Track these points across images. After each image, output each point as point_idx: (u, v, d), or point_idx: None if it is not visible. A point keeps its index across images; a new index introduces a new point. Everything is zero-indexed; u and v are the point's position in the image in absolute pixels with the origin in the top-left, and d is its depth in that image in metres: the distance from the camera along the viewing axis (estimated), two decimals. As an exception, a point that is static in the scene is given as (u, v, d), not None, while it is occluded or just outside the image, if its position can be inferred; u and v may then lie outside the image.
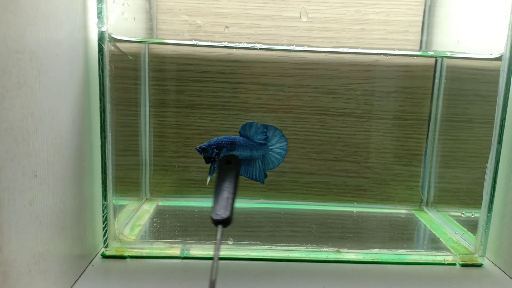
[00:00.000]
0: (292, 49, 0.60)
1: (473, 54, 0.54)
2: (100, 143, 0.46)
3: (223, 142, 0.42)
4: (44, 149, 0.35)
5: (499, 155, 0.48)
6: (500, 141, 0.48)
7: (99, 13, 0.44)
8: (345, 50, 0.60)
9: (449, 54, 0.59)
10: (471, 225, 0.53)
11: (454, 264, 0.50)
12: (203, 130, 0.63)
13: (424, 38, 0.63)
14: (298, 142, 0.64)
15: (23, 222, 0.32)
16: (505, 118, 0.48)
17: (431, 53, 0.62)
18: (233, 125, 0.63)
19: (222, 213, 0.35)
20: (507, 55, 0.47)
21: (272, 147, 0.43)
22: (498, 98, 0.48)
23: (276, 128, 0.43)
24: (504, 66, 0.47)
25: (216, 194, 0.38)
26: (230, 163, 0.41)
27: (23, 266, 0.33)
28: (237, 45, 0.59)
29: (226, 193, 0.38)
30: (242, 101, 0.63)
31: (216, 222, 0.35)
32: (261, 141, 0.43)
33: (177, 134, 0.63)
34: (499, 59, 0.47)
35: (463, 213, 0.57)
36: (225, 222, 0.35)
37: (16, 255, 0.32)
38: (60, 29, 0.38)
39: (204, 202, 0.64)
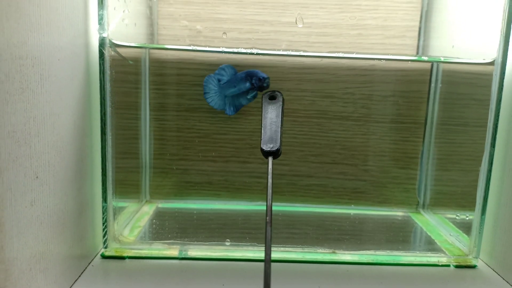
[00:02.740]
0: (289, 54, 0.61)
1: (467, 59, 0.55)
2: (100, 146, 0.47)
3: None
4: (45, 151, 0.36)
5: (492, 158, 0.49)
6: (493, 144, 0.49)
7: (100, 19, 0.45)
8: (341, 55, 0.61)
9: (443, 59, 0.60)
10: (466, 227, 0.53)
11: (448, 266, 0.51)
12: (203, 133, 0.64)
13: (421, 42, 0.64)
14: (296, 145, 0.65)
15: (25, 222, 0.34)
16: (498, 122, 0.49)
17: (425, 58, 0.62)
18: (232, 128, 0.64)
19: (273, 145, 0.37)
20: (499, 60, 0.47)
21: None
22: (491, 102, 0.48)
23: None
24: (496, 70, 0.48)
25: (264, 126, 0.39)
26: (274, 98, 0.43)
27: (24, 265, 0.34)
28: (235, 50, 0.60)
29: (274, 126, 0.39)
30: (241, 105, 0.64)
31: (267, 154, 0.36)
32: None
33: (177, 137, 0.65)
34: (492, 63, 0.48)
35: (458, 215, 0.58)
36: (275, 154, 0.36)
37: (17, 253, 0.33)
38: (62, 35, 0.39)
39: (203, 204, 0.65)
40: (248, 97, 0.50)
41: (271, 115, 0.41)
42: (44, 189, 0.37)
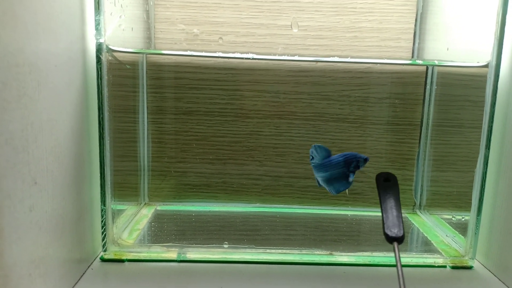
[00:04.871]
0: (284, 58, 0.61)
1: (462, 62, 0.55)
2: (98, 150, 0.48)
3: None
4: (43, 157, 0.37)
5: (487, 159, 0.50)
6: (488, 147, 0.49)
7: (97, 25, 0.45)
8: (336, 59, 0.61)
9: (437, 63, 0.60)
10: (462, 228, 0.54)
11: (445, 267, 0.51)
12: (200, 136, 0.65)
13: (416, 45, 0.64)
14: (293, 147, 0.66)
15: (24, 228, 0.34)
16: (492, 124, 0.49)
17: (420, 62, 0.63)
18: (230, 131, 0.65)
19: (397, 231, 0.37)
20: (494, 62, 0.48)
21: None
22: (486, 105, 0.49)
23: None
24: (490, 73, 0.48)
25: (385, 210, 0.39)
26: (389, 181, 0.43)
27: (23, 270, 0.34)
28: (231, 55, 0.60)
29: (395, 211, 0.39)
30: (238, 108, 0.64)
31: (392, 239, 0.37)
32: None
33: (174, 140, 0.65)
34: (486, 66, 0.49)
35: (454, 216, 0.58)
36: (400, 240, 0.37)
37: (17, 259, 0.33)
38: (59, 41, 0.40)
39: (201, 207, 0.66)
40: (350, 180, 0.46)
41: (390, 198, 0.41)
42: (43, 195, 0.37)
